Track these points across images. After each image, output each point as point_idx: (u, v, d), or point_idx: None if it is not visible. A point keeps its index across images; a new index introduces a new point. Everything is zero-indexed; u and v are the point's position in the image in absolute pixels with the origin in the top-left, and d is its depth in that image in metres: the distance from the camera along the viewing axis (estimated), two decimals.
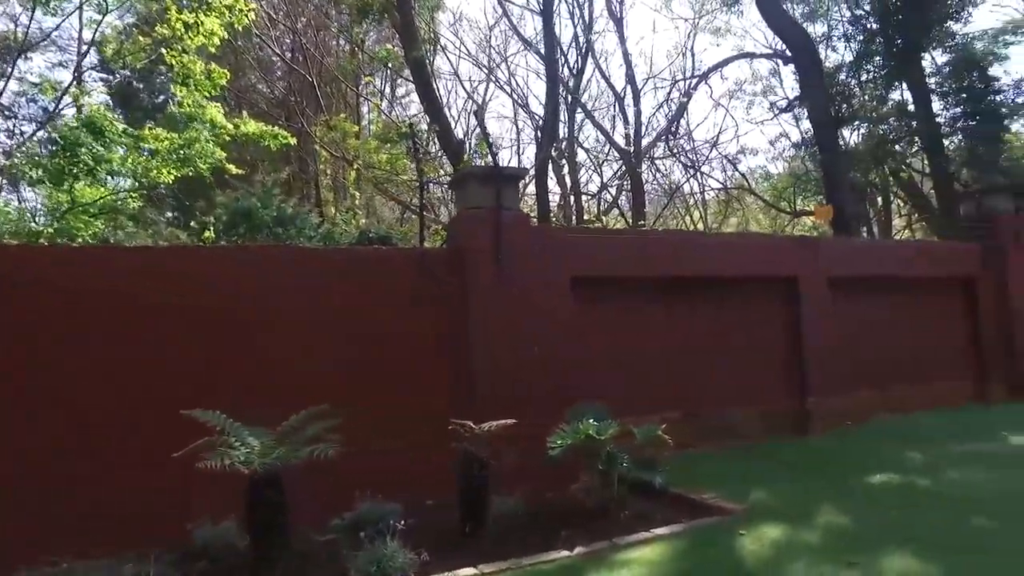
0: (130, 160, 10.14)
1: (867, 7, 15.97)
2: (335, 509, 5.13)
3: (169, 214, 18.35)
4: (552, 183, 19.96)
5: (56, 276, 5.09)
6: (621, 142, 17.94)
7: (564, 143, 16.27)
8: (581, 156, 21.13)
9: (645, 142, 18.06)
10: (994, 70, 17.32)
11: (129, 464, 5.05)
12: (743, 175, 18.49)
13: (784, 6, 14.62)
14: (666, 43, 45.52)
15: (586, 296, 7.05)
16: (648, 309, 7.56)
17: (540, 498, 5.99)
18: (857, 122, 15.86)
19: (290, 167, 17.77)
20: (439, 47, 17.87)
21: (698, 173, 18.04)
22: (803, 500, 5.20)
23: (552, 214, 14.89)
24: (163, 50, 10.88)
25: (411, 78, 13.31)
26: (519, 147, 19.60)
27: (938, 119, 16.79)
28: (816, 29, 15.82)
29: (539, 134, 14.65)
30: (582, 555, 4.45)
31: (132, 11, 14.26)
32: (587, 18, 16.57)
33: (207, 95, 11.26)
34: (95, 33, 12.36)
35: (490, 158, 6.78)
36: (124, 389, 5.14)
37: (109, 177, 10.79)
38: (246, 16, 11.37)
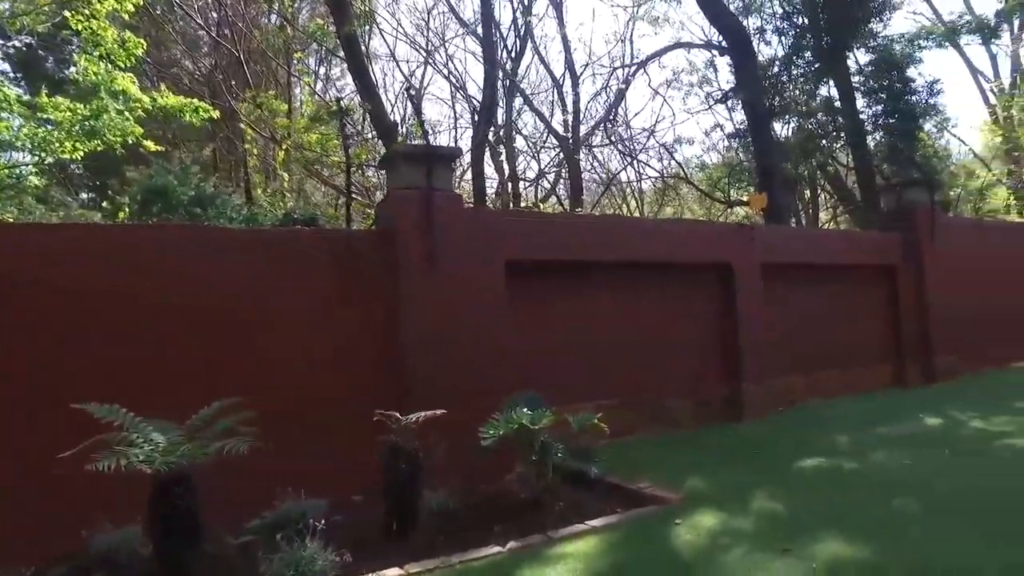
0: (25, 131, 9.23)
1: (798, 4, 16.39)
2: (256, 508, 4.81)
3: (84, 195, 17.12)
4: (490, 170, 19.75)
5: None
6: (560, 129, 17.89)
7: (502, 128, 16.05)
8: (520, 143, 21.03)
9: (583, 129, 18.08)
10: (911, 72, 18.20)
11: (12, 466, 4.53)
12: (680, 164, 18.79)
13: None
14: (605, 30, 45.92)
15: (522, 281, 6.85)
16: (585, 295, 7.43)
17: (474, 490, 5.80)
18: (788, 115, 16.31)
19: (214, 146, 16.84)
20: (375, 27, 17.28)
21: (635, 161, 18.17)
22: (738, 487, 5.17)
23: (489, 200, 14.65)
24: (67, 13, 9.96)
25: (343, 56, 12.76)
26: (456, 132, 19.25)
27: (861, 116, 17.47)
28: (751, 23, 16.15)
29: (476, 117, 14.35)
30: (515, 550, 4.26)
31: None
32: (526, 0, 16.36)
33: (121, 65, 10.41)
34: None
35: (424, 139, 6.47)
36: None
37: None
38: None
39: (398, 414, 4.82)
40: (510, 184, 16.35)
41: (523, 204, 15.30)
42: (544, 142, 19.03)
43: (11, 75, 14.48)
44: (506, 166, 16.45)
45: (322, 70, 19.88)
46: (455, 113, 18.69)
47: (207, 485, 4.18)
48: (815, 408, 8.55)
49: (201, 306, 5.27)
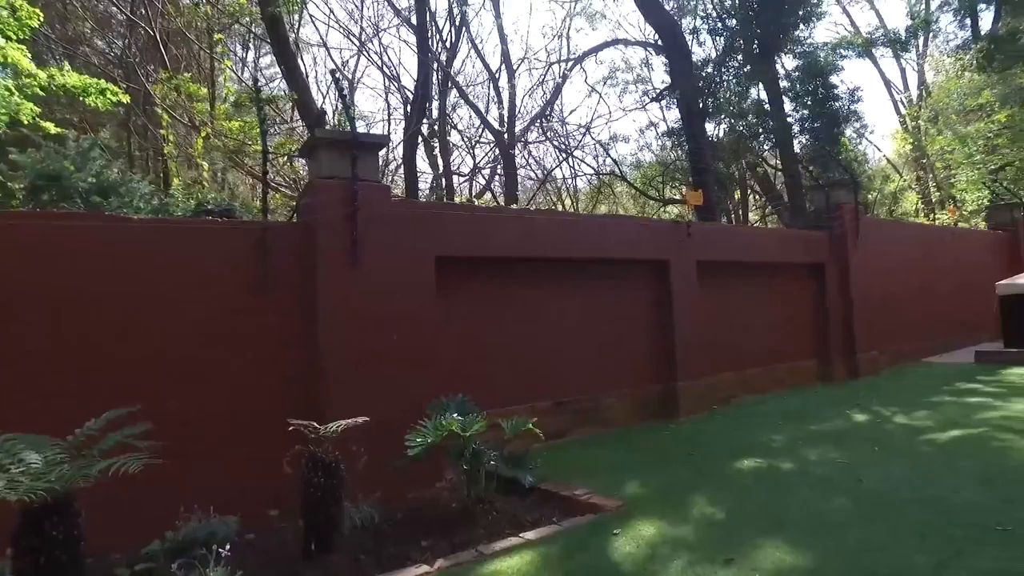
0: None
1: (729, 7, 16.67)
2: (158, 528, 4.34)
3: None
4: (424, 164, 19.29)
5: None
6: (495, 124, 17.58)
7: (436, 122, 15.60)
8: (455, 138, 20.62)
9: (520, 125, 17.85)
10: (833, 79, 18.87)
11: None
12: (615, 161, 18.84)
13: None
14: (542, 23, 45.85)
15: (453, 278, 6.52)
16: (519, 292, 7.17)
17: (401, 500, 5.47)
18: (721, 116, 16.58)
19: (128, 132, 15.68)
20: (306, 14, 16.48)
21: (571, 158, 18.07)
22: (676, 490, 5.02)
23: (422, 195, 14.18)
24: None
25: (268, 39, 12.03)
26: (390, 125, 18.66)
27: (789, 119, 17.98)
28: (686, 23, 16.31)
29: (408, 109, 13.85)
30: (443, 569, 3.94)
31: None
32: None
33: (11, 36, 9.38)
34: None
35: (351, 126, 6.02)
36: None
37: None
38: None
39: (315, 423, 4.40)
40: (444, 179, 15.93)
41: (457, 200, 14.93)
42: (479, 137, 18.72)
43: None
44: (440, 160, 16.03)
45: (249, 56, 18.89)
46: (388, 106, 18.13)
47: (98, 503, 3.68)
48: (748, 405, 8.59)
49: (90, 304, 4.69)
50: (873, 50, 26.52)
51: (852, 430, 6.75)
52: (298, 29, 17.47)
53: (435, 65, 14.30)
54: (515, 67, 17.94)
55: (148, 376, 4.87)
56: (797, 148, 17.07)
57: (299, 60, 14.74)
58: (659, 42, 15.32)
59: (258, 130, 11.96)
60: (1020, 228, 16.14)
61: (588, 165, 19.32)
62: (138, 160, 16.45)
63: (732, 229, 11.32)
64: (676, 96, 14.25)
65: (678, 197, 17.30)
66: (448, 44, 15.76)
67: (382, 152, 20.78)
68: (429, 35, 13.67)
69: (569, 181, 19.65)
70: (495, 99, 18.44)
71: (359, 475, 4.72)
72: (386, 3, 17.24)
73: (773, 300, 9.93)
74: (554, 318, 7.40)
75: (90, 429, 3.88)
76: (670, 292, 8.29)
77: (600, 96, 20.63)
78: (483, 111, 18.90)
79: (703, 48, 17.99)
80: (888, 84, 30.02)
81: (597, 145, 18.57)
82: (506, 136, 16.51)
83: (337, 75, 6.35)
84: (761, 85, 17.71)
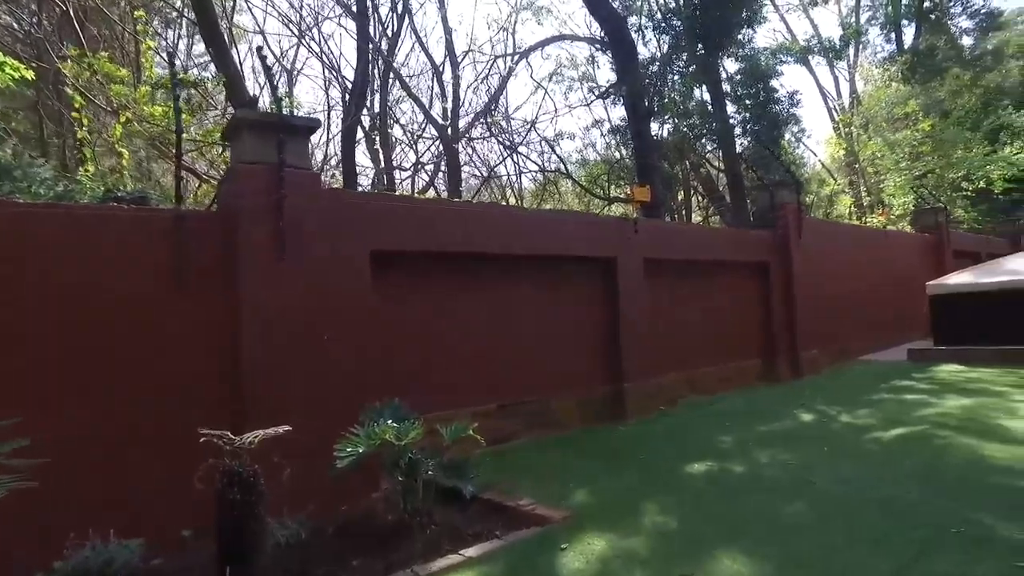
0: None
1: (674, 5, 16.74)
2: (46, 559, 3.85)
3: None
4: (365, 159, 18.63)
5: None
6: (439, 119, 17.09)
7: (378, 115, 15.03)
8: (397, 132, 20.05)
9: (464, 119, 17.46)
10: (774, 83, 19.28)
11: None
12: (560, 159, 18.68)
13: None
14: (486, 15, 45.38)
15: (390, 274, 6.11)
16: (461, 289, 6.79)
17: (334, 514, 5.03)
18: (666, 115, 16.63)
19: (37, 116, 14.48)
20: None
21: (515, 154, 17.79)
22: (627, 498, 4.76)
23: (362, 190, 13.58)
24: None
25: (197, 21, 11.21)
26: (330, 117, 17.92)
27: (731, 121, 18.22)
28: (633, 21, 16.26)
29: (347, 98, 13.22)
30: None
31: None
32: None
33: None
34: None
35: (277, 109, 5.51)
36: None
37: None
38: None
39: (230, 433, 3.91)
40: (385, 175, 15.36)
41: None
42: (422, 131, 18.21)
43: None
44: (381, 155, 15.43)
45: (182, 45, 17.81)
46: (328, 98, 17.37)
47: None
48: (696, 406, 8.47)
49: None
50: (809, 58, 27.43)
51: (800, 430, 6.68)
52: (231, 15, 16.58)
53: (376, 54, 13.73)
54: (459, 60, 17.54)
55: (36, 382, 4.27)
56: (739, 150, 17.29)
57: (234, 48, 13.94)
58: (605, 39, 15.22)
59: (185, 116, 11.18)
60: (944, 231, 16.84)
61: (533, 162, 19.13)
62: (54, 147, 15.25)
63: (679, 227, 11.27)
64: (622, 93, 14.15)
65: (623, 196, 17.25)
66: (390, 33, 15.21)
67: (320, 145, 20.09)
68: (370, 22, 13.14)
69: (514, 178, 19.41)
70: (439, 94, 17.99)
71: (286, 488, 4.28)
72: None
73: (719, 299, 9.88)
74: (498, 317, 7.07)
75: None
76: (617, 290, 8.08)
77: (546, 91, 20.50)
78: (427, 105, 18.44)
79: (648, 48, 18.07)
80: (823, 91, 31.16)
81: (543, 142, 18.37)
82: (449, 131, 16.07)
83: (263, 52, 5.84)
84: (705, 87, 17.88)
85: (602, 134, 19.56)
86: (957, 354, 10.95)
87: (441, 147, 16.59)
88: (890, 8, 29.74)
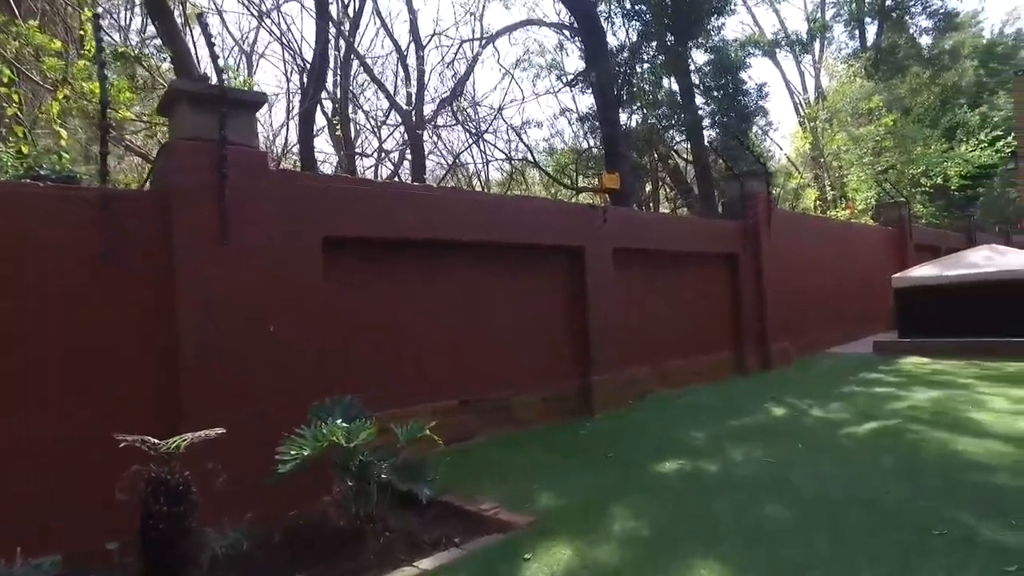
0: None
1: None
2: None
3: None
4: (327, 146, 17.99)
5: None
6: (404, 105, 16.57)
7: (339, 100, 14.45)
8: (361, 119, 19.44)
9: (430, 108, 16.97)
10: (743, 75, 19.25)
11: None
12: (528, 147, 18.32)
13: None
14: (454, 2, 44.59)
15: (344, 261, 5.71)
16: (422, 279, 6.42)
17: (281, 520, 4.65)
18: (636, 104, 16.44)
19: None
20: None
21: (482, 142, 17.36)
22: (595, 500, 4.47)
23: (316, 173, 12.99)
24: None
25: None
26: (289, 102, 17.24)
27: (700, 112, 18.13)
28: (603, 9, 15.97)
29: (304, 79, 12.62)
30: None
31: None
32: None
33: None
34: None
35: (219, 80, 5.03)
36: None
37: None
38: None
39: (153, 439, 3.49)
40: (347, 161, 14.79)
41: None
42: (386, 117, 17.65)
43: None
44: (342, 140, 14.85)
45: (137, 23, 16.90)
46: (289, 83, 16.62)
47: None
48: (665, 399, 8.26)
49: None
50: (776, 52, 27.60)
51: (773, 425, 6.49)
52: None
53: (336, 33, 13.14)
54: (424, 44, 17.01)
55: None
56: (707, 141, 17.21)
57: (188, 30, 13.19)
58: (574, 25, 14.90)
59: (127, 93, 10.49)
60: (906, 225, 17.02)
61: (500, 150, 18.72)
62: None
63: (649, 216, 11.04)
64: (591, 80, 13.86)
65: (591, 186, 17.01)
66: (352, 12, 14.60)
67: (280, 132, 19.35)
68: (330, 1, 12.56)
69: (480, 168, 18.98)
70: (404, 79, 17.45)
71: (226, 493, 3.88)
72: None
73: (689, 290, 9.69)
74: (462, 308, 6.71)
75: None
76: (585, 281, 7.79)
77: (512, 77, 20.05)
78: (391, 91, 17.87)
79: (617, 36, 17.84)
80: (789, 86, 31.44)
81: (509, 130, 17.94)
82: (413, 116, 15.55)
83: (203, 20, 5.32)
84: (674, 77, 17.74)
85: (570, 123, 19.27)
86: (921, 346, 10.99)
87: (405, 133, 16.07)
88: (854, 5, 30.15)
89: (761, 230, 10.57)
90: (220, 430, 3.65)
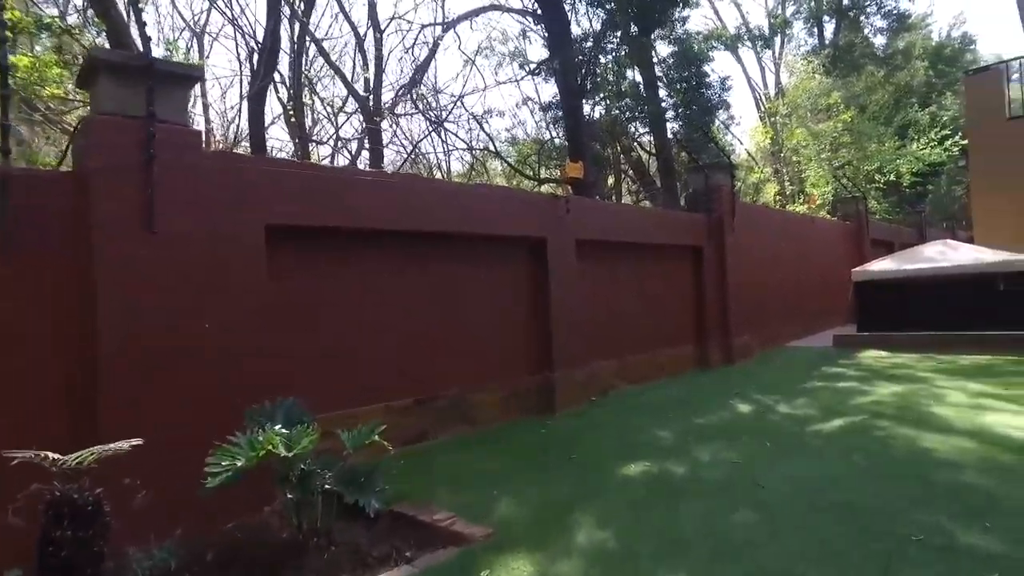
0: None
1: None
2: None
3: None
4: (283, 133, 17.26)
5: None
6: (362, 92, 15.98)
7: (292, 83, 13.78)
8: (319, 107, 18.74)
9: (389, 92, 16.42)
10: (706, 68, 19.22)
11: None
12: (489, 136, 17.92)
13: None
14: None
15: (290, 251, 5.30)
16: (375, 271, 6.03)
17: (216, 534, 4.24)
18: (599, 95, 16.21)
19: None
20: None
21: (443, 131, 16.87)
22: (557, 508, 4.19)
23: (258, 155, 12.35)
24: None
25: None
26: (242, 86, 16.46)
27: (664, 104, 18.02)
28: None
29: (255, 60, 11.95)
30: None
31: None
32: None
33: None
34: None
35: (147, 47, 4.54)
36: None
37: None
38: None
39: (53, 454, 3.06)
40: (302, 149, 14.17)
41: None
42: (344, 105, 17.01)
43: None
44: (296, 124, 14.21)
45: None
46: (241, 67, 15.81)
47: None
48: (629, 395, 8.06)
49: None
50: (738, 47, 27.77)
51: (739, 422, 6.32)
52: None
53: (290, 13, 12.51)
54: (383, 28, 16.41)
55: None
56: (670, 134, 17.11)
57: (131, 10, 12.37)
58: (538, 11, 14.56)
59: (56, 69, 9.74)
60: (864, 220, 17.27)
61: (461, 139, 18.26)
62: None
63: (613, 207, 10.79)
64: (555, 67, 13.55)
65: (554, 177, 16.75)
66: None
67: (233, 117, 18.49)
68: None
69: (441, 158, 18.49)
70: (362, 64, 16.83)
71: (155, 506, 3.49)
72: None
73: (653, 284, 9.50)
74: (417, 302, 6.34)
75: None
76: (547, 273, 7.50)
77: (474, 64, 19.55)
78: (349, 77, 17.26)
79: (580, 26, 17.58)
80: (750, 82, 31.76)
81: (471, 119, 17.50)
82: (371, 102, 15.00)
83: None
84: (638, 69, 17.58)
85: (532, 113, 18.92)
86: (879, 340, 11.07)
87: (363, 120, 15.50)
88: (812, 3, 30.62)
89: (725, 223, 10.46)
90: (136, 441, 3.24)
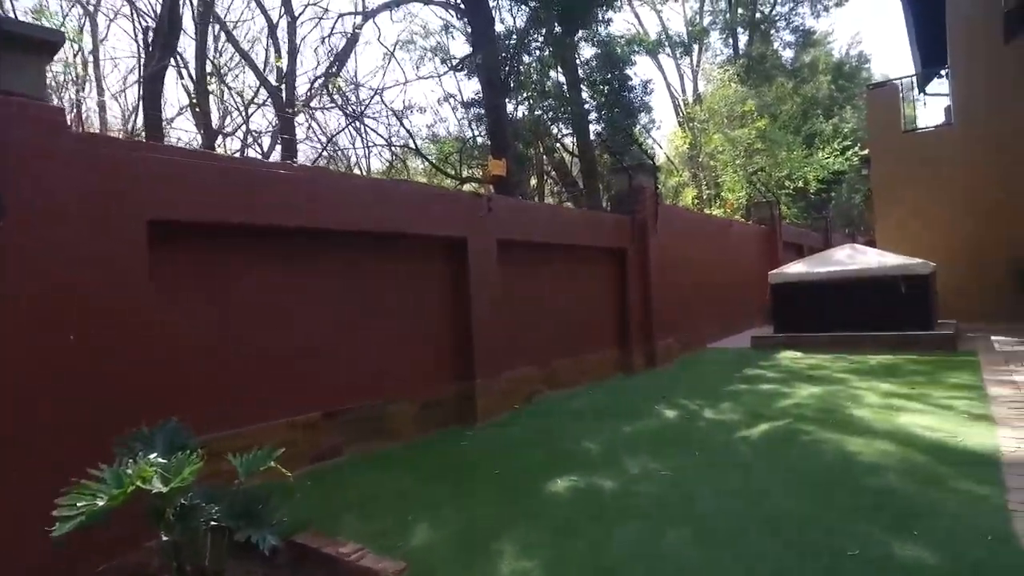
0: None
1: None
2: None
3: None
4: (189, 124, 16.04)
5: None
6: (274, 82, 15.05)
7: (196, 68, 12.75)
8: (230, 99, 17.55)
9: (304, 83, 15.54)
10: (628, 71, 19.41)
11: None
12: (409, 133, 17.29)
13: None
14: None
15: (178, 250, 4.69)
16: (280, 271, 5.46)
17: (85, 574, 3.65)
18: (523, 93, 15.98)
19: None
20: None
21: (362, 126, 16.12)
22: (479, 533, 3.82)
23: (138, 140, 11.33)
24: None
25: None
26: (140, 72, 15.14)
27: (587, 106, 18.03)
28: None
29: (150, 40, 10.84)
30: None
31: None
32: None
33: None
34: None
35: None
36: None
37: None
38: None
39: None
40: (207, 141, 13.15)
41: None
42: (255, 95, 15.97)
43: None
44: (201, 112, 13.17)
45: None
46: (140, 49, 14.40)
47: None
48: (553, 403, 7.80)
49: None
50: (659, 53, 28.40)
51: (667, 430, 6.16)
52: None
53: None
54: (298, 15, 15.51)
55: None
56: (593, 136, 17.11)
57: None
58: (461, 5, 14.16)
59: None
60: (777, 223, 17.89)
61: (380, 135, 17.54)
62: None
63: (536, 207, 10.53)
64: (478, 62, 13.19)
65: (476, 177, 16.37)
66: None
67: (131, 105, 17.00)
68: None
69: (360, 153, 17.70)
70: (275, 53, 15.87)
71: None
72: None
73: (578, 286, 9.30)
74: (327, 306, 5.81)
75: None
76: (467, 275, 7.12)
77: (393, 57, 18.80)
78: (261, 67, 16.25)
79: (504, 24, 17.33)
80: (670, 88, 32.55)
81: (390, 115, 16.84)
82: (284, 92, 14.13)
83: None
84: (561, 70, 17.50)
85: (454, 110, 18.42)
86: (794, 341, 11.37)
87: (276, 113, 14.59)
88: (728, 15, 31.82)
89: (649, 224, 10.42)
90: None
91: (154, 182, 4.44)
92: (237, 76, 18.82)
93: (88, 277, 3.94)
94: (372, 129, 16.91)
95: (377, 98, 16.40)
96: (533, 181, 21.92)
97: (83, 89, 15.44)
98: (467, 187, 15.46)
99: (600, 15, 15.56)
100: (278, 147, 16.77)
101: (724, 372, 9.34)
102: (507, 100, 15.40)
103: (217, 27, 14.37)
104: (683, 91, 32.41)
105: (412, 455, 5.75)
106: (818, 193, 26.86)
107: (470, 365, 7.09)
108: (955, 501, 3.93)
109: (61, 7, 16.19)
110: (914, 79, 16.37)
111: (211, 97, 18.24)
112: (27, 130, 3.73)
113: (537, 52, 15.37)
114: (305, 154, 17.71)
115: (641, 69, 64.64)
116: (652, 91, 19.09)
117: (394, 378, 6.33)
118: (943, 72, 15.84)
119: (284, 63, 14.43)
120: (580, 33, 16.01)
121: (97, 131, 13.22)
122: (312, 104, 16.71)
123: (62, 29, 9.24)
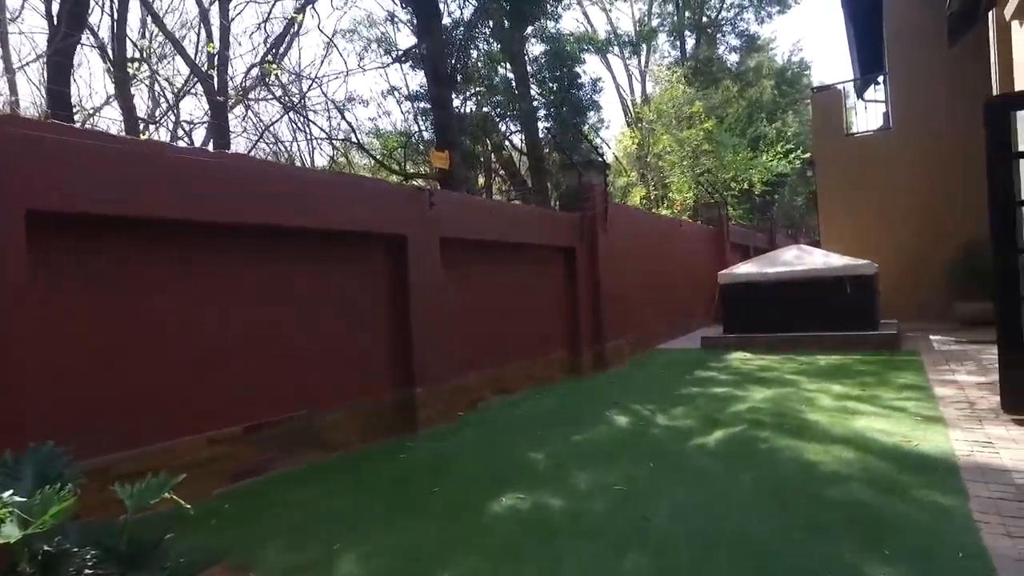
0: None
1: None
2: None
3: None
4: (116, 113, 14.96)
5: None
6: (208, 70, 14.15)
7: (115, 50, 11.80)
8: (158, 87, 16.51)
9: (240, 70, 14.70)
10: (577, 69, 19.22)
11: None
12: (351, 126, 16.55)
13: None
14: None
15: (65, 246, 4.08)
16: (193, 271, 4.87)
17: None
18: (470, 90, 15.54)
19: None
20: None
21: (301, 117, 15.33)
22: (416, 563, 3.37)
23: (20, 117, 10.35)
24: None
25: None
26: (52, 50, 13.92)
27: (535, 103, 17.73)
28: None
29: (54, 14, 9.83)
30: None
31: None
32: None
33: None
34: None
35: None
36: None
37: None
38: None
39: None
40: (130, 130, 12.21)
41: None
42: (185, 83, 15.01)
43: None
44: (121, 100, 12.21)
45: None
46: (51, 21, 13.19)
47: None
48: (500, 409, 7.39)
49: None
50: (608, 52, 28.41)
51: (619, 439, 5.82)
52: None
53: None
54: None
55: None
56: (542, 133, 16.81)
57: None
58: None
59: None
60: (725, 224, 17.99)
61: (320, 128, 16.75)
62: None
63: (482, 203, 10.08)
64: (423, 52, 12.68)
65: (422, 172, 15.86)
66: None
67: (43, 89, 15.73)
68: None
69: (299, 146, 16.87)
70: (206, 38, 14.94)
71: None
72: None
73: (525, 286, 8.92)
74: (250, 309, 5.25)
75: None
76: (407, 275, 6.65)
77: (335, 46, 18.02)
78: (192, 53, 15.29)
79: (451, 16, 16.85)
80: (619, 88, 32.69)
81: (331, 106, 16.10)
82: (215, 80, 13.28)
83: None
84: (510, 66, 17.15)
85: (399, 102, 17.74)
86: (744, 341, 11.30)
87: (208, 100, 13.70)
88: (675, 17, 32.15)
89: (598, 223, 10.14)
90: None
91: (37, 167, 3.83)
92: (169, 63, 17.78)
93: None
94: (312, 122, 16.08)
95: (317, 89, 15.65)
96: (481, 179, 21.50)
97: None
98: (412, 184, 14.92)
99: (549, 9, 15.25)
100: (212, 141, 15.86)
101: (675, 374, 9.12)
102: (454, 95, 14.94)
103: (142, 7, 13.40)
104: (631, 92, 32.61)
105: (344, 470, 5.24)
106: (763, 195, 27.38)
107: (410, 371, 6.62)
108: (921, 514, 3.71)
109: None
110: (853, 84, 16.72)
111: (142, 85, 17.15)
112: None
113: (485, 46, 14.96)
114: (242, 147, 16.84)
115: (590, 68, 65.07)
116: (601, 89, 18.99)
117: (327, 387, 5.81)
118: (879, 80, 16.22)
119: (216, 45, 13.54)
120: (529, 28, 15.68)
121: None
122: (249, 94, 15.86)
123: None
